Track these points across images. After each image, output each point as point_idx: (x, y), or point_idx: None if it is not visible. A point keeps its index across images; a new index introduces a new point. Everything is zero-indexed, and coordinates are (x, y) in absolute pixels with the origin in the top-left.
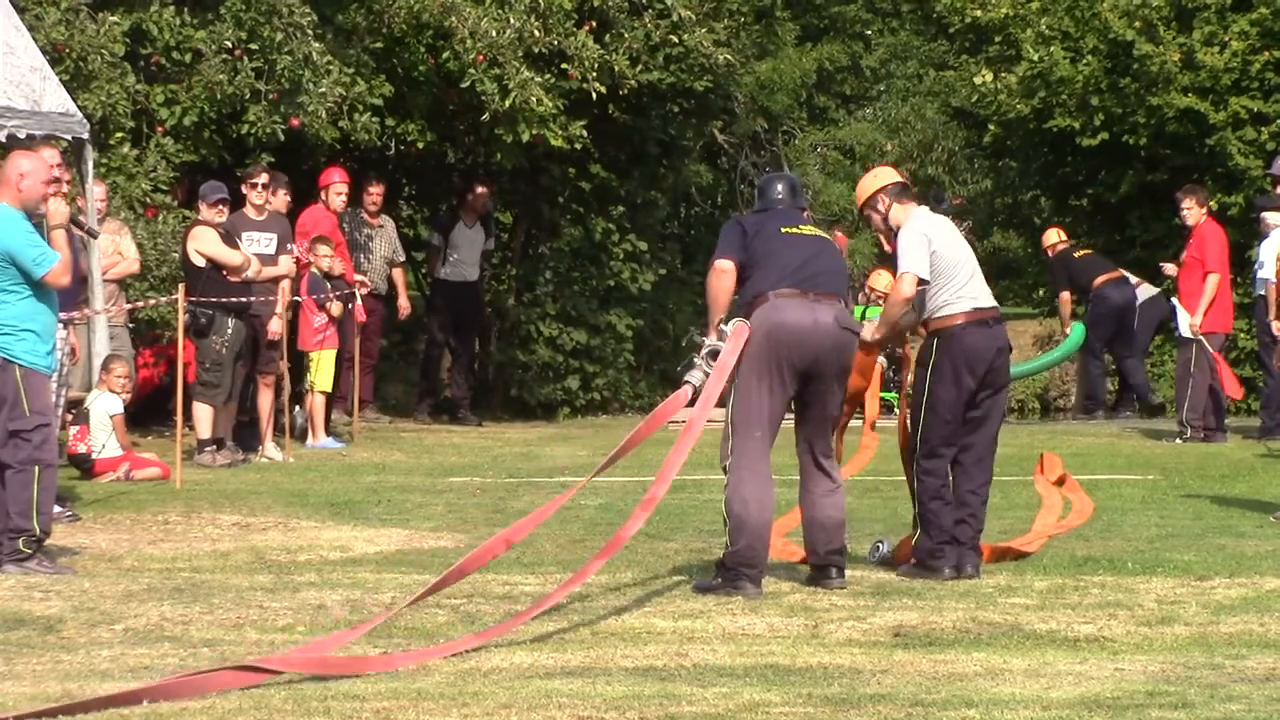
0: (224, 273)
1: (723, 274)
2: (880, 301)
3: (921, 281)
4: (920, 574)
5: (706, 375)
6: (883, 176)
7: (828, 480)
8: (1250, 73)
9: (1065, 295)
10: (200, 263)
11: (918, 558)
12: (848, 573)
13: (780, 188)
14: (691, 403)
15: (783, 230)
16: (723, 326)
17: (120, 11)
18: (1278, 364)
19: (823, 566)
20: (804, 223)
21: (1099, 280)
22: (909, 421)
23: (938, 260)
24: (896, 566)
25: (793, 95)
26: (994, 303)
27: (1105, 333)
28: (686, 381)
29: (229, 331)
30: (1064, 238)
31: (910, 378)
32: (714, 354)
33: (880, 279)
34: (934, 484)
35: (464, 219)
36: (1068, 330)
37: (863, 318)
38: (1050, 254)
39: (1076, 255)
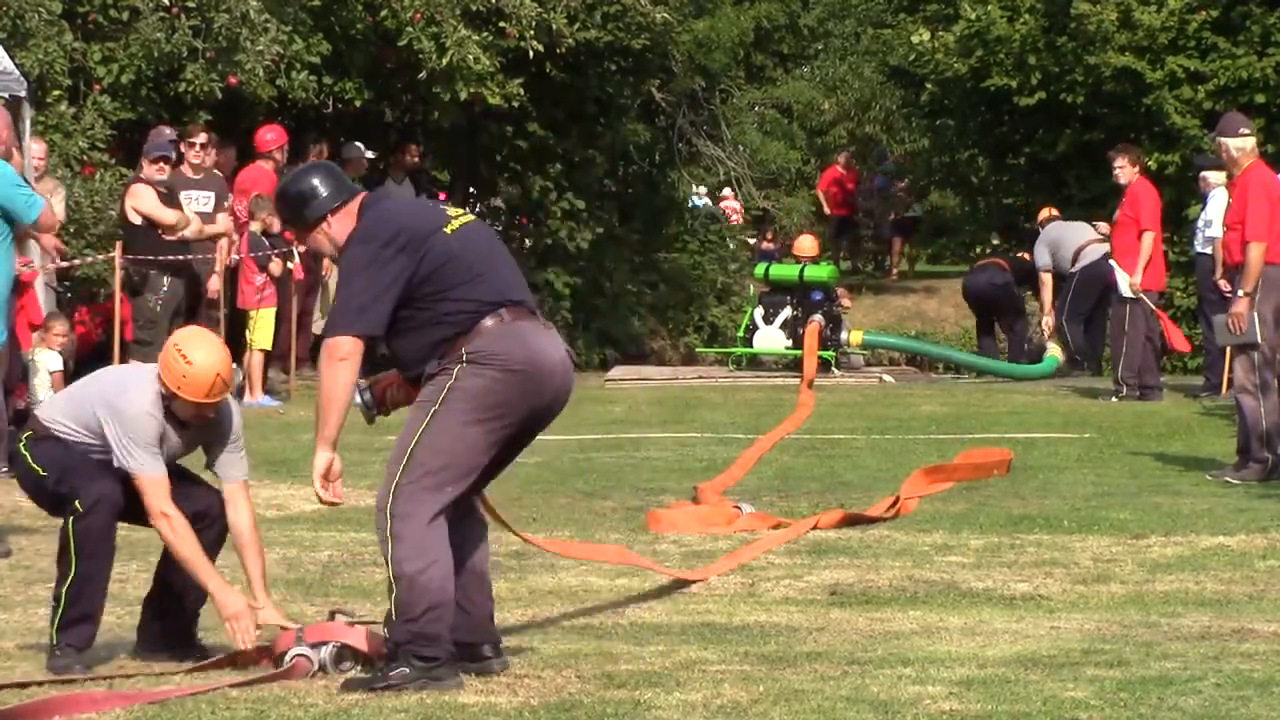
0: (160, 231)
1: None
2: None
3: None
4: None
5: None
6: None
7: (483, 531)
8: (1187, 31)
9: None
10: (137, 221)
11: None
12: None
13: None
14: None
15: (446, 230)
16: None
17: None
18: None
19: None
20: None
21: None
22: None
23: None
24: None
25: (730, 54)
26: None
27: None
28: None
29: (164, 289)
30: (1055, 213)
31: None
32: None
33: (805, 242)
34: None
35: (392, 175)
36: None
37: (765, 276)
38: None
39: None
